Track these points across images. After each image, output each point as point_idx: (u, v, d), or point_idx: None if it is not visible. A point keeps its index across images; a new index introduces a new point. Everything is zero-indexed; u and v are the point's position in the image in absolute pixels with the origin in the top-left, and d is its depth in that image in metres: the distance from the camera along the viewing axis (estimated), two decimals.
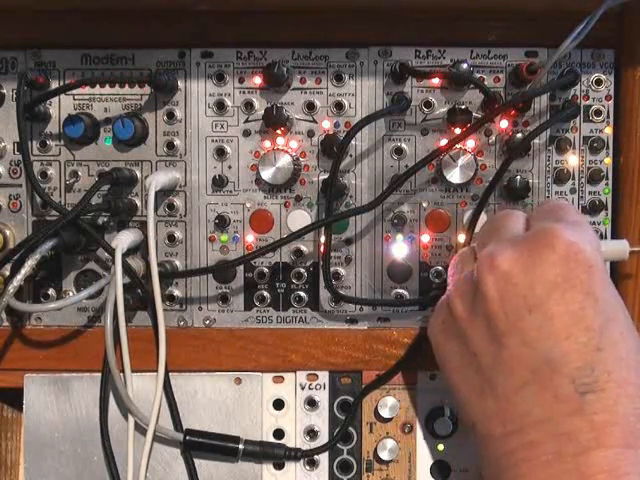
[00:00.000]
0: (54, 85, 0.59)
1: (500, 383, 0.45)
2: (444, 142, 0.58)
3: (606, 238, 0.59)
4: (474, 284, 0.47)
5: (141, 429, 0.58)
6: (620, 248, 0.54)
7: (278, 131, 0.59)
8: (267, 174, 0.58)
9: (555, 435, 0.43)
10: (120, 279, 0.55)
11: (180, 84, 0.59)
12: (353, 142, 0.58)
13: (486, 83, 0.58)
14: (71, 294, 0.60)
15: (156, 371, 0.57)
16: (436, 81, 0.58)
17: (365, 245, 0.60)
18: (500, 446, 0.45)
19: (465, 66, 0.57)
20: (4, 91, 0.60)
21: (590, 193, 0.59)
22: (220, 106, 0.59)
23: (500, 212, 0.55)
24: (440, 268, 0.59)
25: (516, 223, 0.50)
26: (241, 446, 0.58)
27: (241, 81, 0.59)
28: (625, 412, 0.42)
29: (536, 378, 0.44)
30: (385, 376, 0.59)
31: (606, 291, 0.45)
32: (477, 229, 0.57)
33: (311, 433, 0.59)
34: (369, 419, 0.60)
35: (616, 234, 0.58)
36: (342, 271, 0.59)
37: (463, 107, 0.57)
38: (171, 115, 0.59)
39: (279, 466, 0.59)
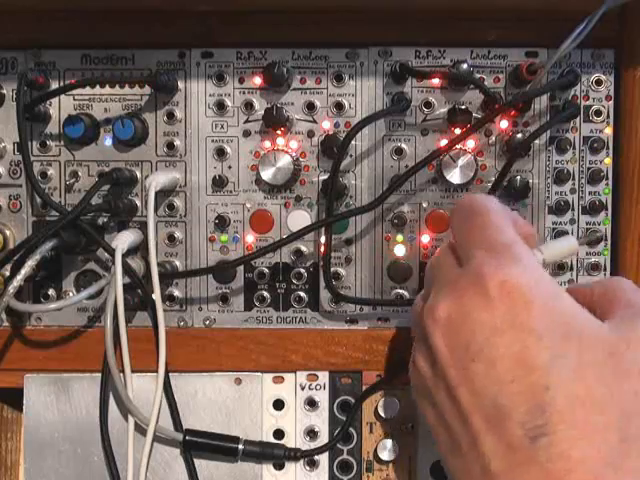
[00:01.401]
0: (54, 85, 0.59)
1: (460, 439, 0.43)
2: (444, 142, 0.58)
3: (606, 239, 0.59)
4: (425, 343, 0.45)
5: (141, 429, 0.58)
6: (565, 247, 0.50)
7: (278, 131, 0.59)
8: (267, 174, 0.58)
9: None
10: (120, 279, 0.55)
11: (180, 84, 0.59)
12: (353, 142, 0.58)
13: (486, 83, 0.58)
14: (71, 294, 0.60)
15: (156, 371, 0.57)
16: (436, 81, 0.58)
17: (365, 245, 0.60)
18: None
19: (465, 66, 0.57)
20: (4, 91, 0.60)
21: (590, 193, 0.59)
22: (220, 106, 0.59)
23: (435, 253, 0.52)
24: None
25: (446, 260, 0.47)
26: (241, 446, 0.58)
27: (241, 81, 0.59)
28: (583, 456, 0.38)
29: (489, 427, 0.41)
30: (385, 377, 0.59)
31: (551, 324, 0.41)
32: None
33: (311, 433, 0.59)
34: (369, 419, 0.60)
35: (616, 234, 0.58)
36: (342, 271, 0.59)
37: (463, 107, 0.57)
38: (171, 115, 0.59)
39: (279, 466, 0.59)
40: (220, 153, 0.59)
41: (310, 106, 0.59)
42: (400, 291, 0.60)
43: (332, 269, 0.59)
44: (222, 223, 0.59)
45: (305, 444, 0.59)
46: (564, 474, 0.38)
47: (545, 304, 0.41)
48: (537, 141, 0.58)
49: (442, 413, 0.44)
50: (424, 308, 0.45)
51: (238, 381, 0.59)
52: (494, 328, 0.41)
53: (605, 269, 0.58)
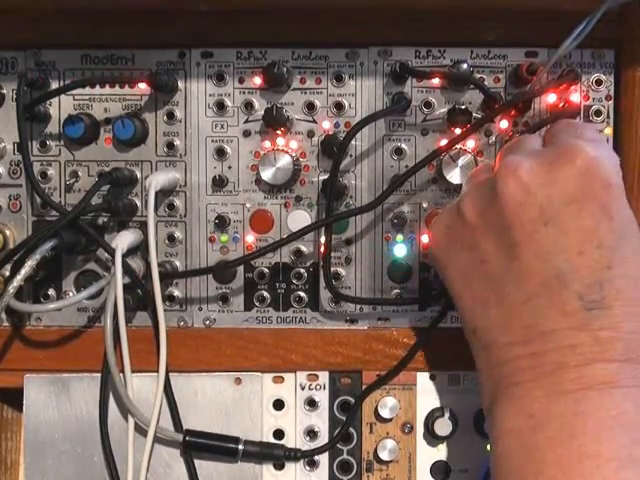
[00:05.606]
0: (54, 85, 0.59)
1: (508, 293, 0.45)
2: (444, 142, 0.58)
3: None
4: (491, 191, 0.46)
5: (141, 429, 0.58)
6: None
7: (278, 131, 0.59)
8: (267, 174, 0.58)
9: (560, 347, 0.43)
10: (120, 279, 0.55)
11: (180, 84, 0.59)
12: (353, 142, 0.58)
13: (486, 83, 0.58)
14: (71, 294, 0.60)
15: (156, 371, 0.57)
16: (436, 81, 0.58)
17: (365, 245, 0.60)
18: (503, 354, 0.45)
19: (465, 66, 0.57)
20: (4, 91, 0.60)
21: None
22: (220, 106, 0.59)
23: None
24: None
25: (535, 141, 0.50)
26: (241, 446, 0.58)
27: (241, 81, 0.59)
28: (629, 329, 0.43)
29: (545, 291, 0.44)
30: (385, 376, 0.59)
31: (622, 211, 0.45)
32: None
33: (311, 433, 0.59)
34: (369, 419, 0.59)
35: None
36: (342, 271, 0.59)
37: (463, 107, 0.57)
38: (171, 115, 0.59)
39: (279, 466, 0.59)
40: (220, 153, 0.59)
41: (310, 106, 0.59)
42: (400, 291, 0.60)
43: (332, 269, 0.59)
44: (222, 223, 0.59)
45: (305, 444, 0.59)
46: (611, 340, 0.42)
47: (622, 190, 0.45)
48: None
49: (484, 264, 0.46)
50: (503, 162, 0.46)
51: (238, 381, 0.59)
52: (574, 199, 0.44)
53: None
